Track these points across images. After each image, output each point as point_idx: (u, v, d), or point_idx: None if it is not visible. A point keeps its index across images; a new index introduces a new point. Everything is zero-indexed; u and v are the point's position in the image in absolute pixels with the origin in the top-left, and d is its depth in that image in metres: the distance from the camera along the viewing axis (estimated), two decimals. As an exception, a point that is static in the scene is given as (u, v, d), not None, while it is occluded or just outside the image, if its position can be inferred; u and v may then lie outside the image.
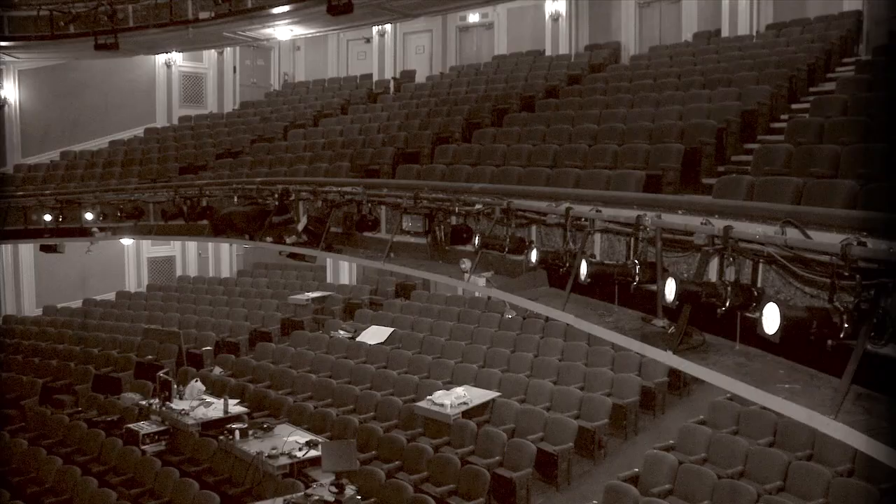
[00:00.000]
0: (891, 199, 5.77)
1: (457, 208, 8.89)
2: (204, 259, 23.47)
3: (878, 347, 4.09)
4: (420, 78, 20.53)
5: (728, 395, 10.15)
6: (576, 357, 13.16)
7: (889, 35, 12.03)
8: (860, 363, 4.01)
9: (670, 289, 4.84)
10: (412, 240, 9.89)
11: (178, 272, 23.15)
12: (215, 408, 12.08)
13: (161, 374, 12.93)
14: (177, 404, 12.21)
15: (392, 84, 20.58)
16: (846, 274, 4.14)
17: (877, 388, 4.27)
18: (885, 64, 10.12)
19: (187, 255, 23.27)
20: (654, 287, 5.88)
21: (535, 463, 10.03)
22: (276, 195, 12.28)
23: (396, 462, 10.39)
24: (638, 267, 6.00)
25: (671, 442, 10.05)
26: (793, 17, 15.37)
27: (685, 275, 5.67)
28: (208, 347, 16.35)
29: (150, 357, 15.77)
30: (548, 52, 19.05)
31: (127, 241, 19.79)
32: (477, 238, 8.24)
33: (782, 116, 10.65)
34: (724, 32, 16.07)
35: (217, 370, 14.94)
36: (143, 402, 12.87)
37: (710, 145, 9.47)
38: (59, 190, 16.74)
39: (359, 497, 8.44)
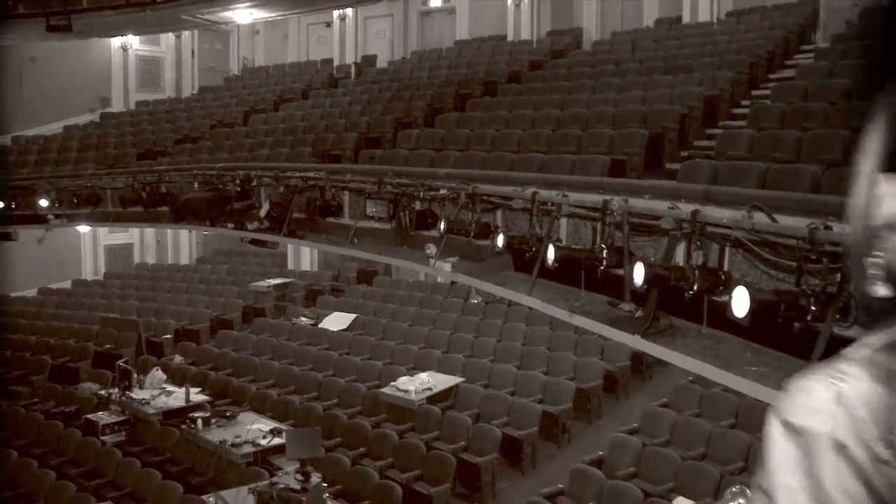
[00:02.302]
0: (847, 183, 5.83)
1: (421, 193, 8.84)
2: (163, 246, 23.11)
3: (843, 330, 4.14)
4: (381, 63, 20.37)
5: (690, 377, 10.26)
6: (539, 342, 13.20)
7: (846, 23, 12.19)
8: (827, 345, 4.05)
9: (639, 273, 4.86)
10: (376, 225, 9.83)
11: (137, 260, 22.77)
12: (176, 397, 11.93)
13: (120, 363, 12.73)
14: (137, 394, 12.04)
15: (353, 69, 20.40)
16: (813, 257, 4.19)
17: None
18: (843, 52, 10.25)
19: (146, 242, 22.91)
20: (621, 271, 5.90)
21: (499, 448, 10.05)
22: (238, 181, 12.13)
23: (361, 449, 10.35)
24: (605, 251, 6.01)
25: (635, 425, 10.14)
26: (752, 5, 15.51)
27: (652, 259, 5.69)
28: (168, 336, 16.13)
29: (108, 346, 15.51)
30: (510, 38, 19.01)
31: (83, 229, 19.40)
32: (442, 223, 8.20)
33: (743, 102, 10.74)
34: (686, 19, 16.16)
35: (178, 358, 14.75)
36: (102, 392, 12.67)
37: (673, 130, 9.53)
38: (12, 176, 16.34)
39: (324, 484, 8.39)
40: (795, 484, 0.85)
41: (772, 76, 11.76)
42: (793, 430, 0.87)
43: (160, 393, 12.05)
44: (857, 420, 0.83)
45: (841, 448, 0.83)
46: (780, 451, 0.88)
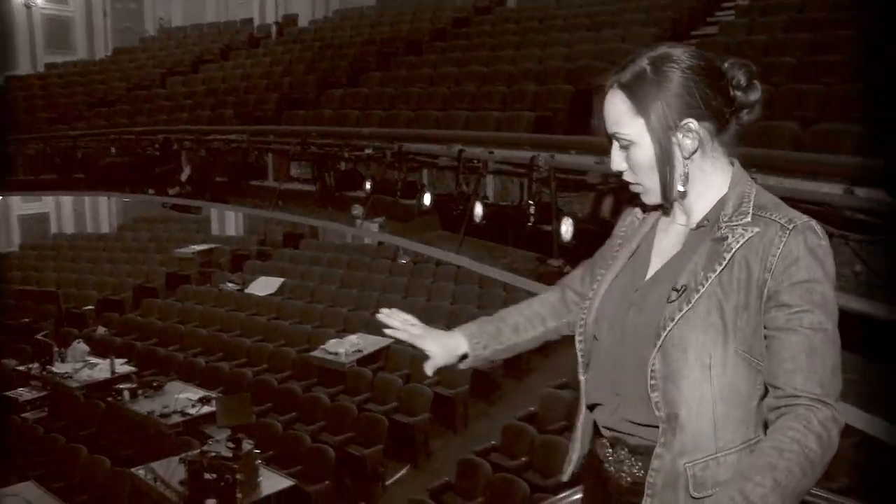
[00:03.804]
0: (769, 138, 5.95)
1: (346, 153, 8.71)
2: (81, 214, 22.36)
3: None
4: (303, 22, 19.93)
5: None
6: (468, 300, 13.24)
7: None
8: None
9: (567, 228, 4.86)
10: (301, 187, 9.68)
11: (53, 230, 22.01)
12: (101, 369, 11.61)
13: (39, 336, 12.33)
14: (58, 367, 11.67)
15: (274, 28, 19.91)
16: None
17: None
18: (762, 9, 10.38)
19: (62, 211, 22.12)
20: (549, 227, 5.91)
21: (431, 407, 10.09)
22: (157, 145, 11.77)
23: (292, 413, 10.26)
24: (532, 207, 6.02)
25: (564, 380, 10.27)
26: (673, -40, 15.57)
27: (580, 214, 5.71)
28: (90, 307, 15.67)
29: (25, 319, 14.99)
30: (433, -5, 18.75)
31: (-6, 198, 18.67)
32: (368, 183, 8.11)
33: (666, 58, 10.80)
34: (608, -25, 16.15)
35: (101, 329, 14.35)
36: (21, 368, 12.25)
37: (598, 86, 9.54)
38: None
39: (256, 451, 8.29)
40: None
41: (694, 33, 11.87)
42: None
43: (83, 366, 11.71)
44: None
45: None
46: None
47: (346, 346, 11.44)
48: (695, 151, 1.57)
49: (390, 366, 11.43)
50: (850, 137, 5.50)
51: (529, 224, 6.07)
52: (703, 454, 1.51)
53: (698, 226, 1.60)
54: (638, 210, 1.77)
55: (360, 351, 11.47)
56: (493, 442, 9.11)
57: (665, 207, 1.64)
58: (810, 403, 1.42)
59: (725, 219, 1.54)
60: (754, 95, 1.62)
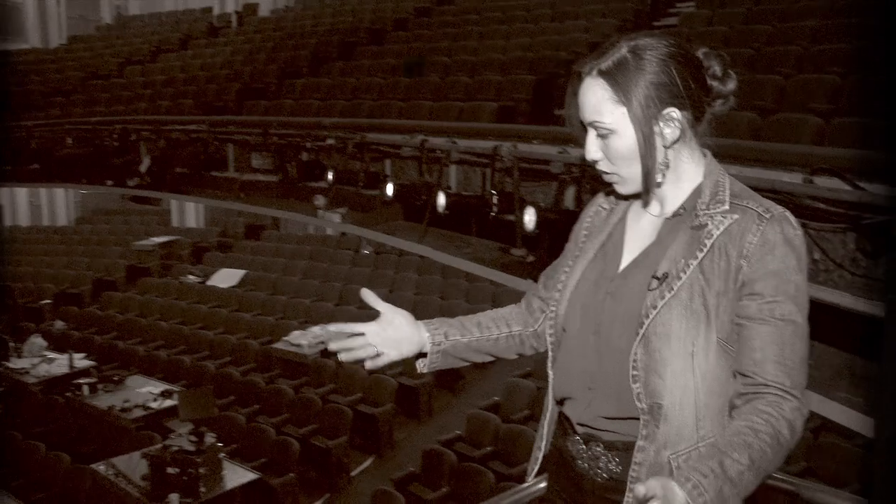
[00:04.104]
0: (729, 127, 6.00)
1: (308, 144, 8.64)
2: (36, 207, 21.95)
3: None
4: (264, 11, 19.70)
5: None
6: (431, 291, 13.24)
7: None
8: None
9: (530, 217, 4.87)
10: (262, 178, 9.58)
11: (8, 222, 21.56)
12: (59, 363, 11.42)
13: (-6, 331, 12.10)
14: (15, 363, 11.46)
15: (235, 17, 19.67)
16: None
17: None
18: (723, 1, 10.46)
19: (17, 203, 21.68)
20: (511, 217, 5.92)
21: (396, 398, 10.08)
22: (115, 135, 11.58)
23: (256, 406, 10.19)
24: (495, 197, 6.01)
25: (528, 369, 10.31)
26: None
27: (543, 203, 5.72)
28: (47, 301, 15.41)
29: (-21, 314, 14.70)
30: (395, -16, 18.64)
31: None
32: (330, 174, 8.05)
33: (628, 49, 10.85)
34: (569, -35, 16.18)
35: (59, 324, 14.12)
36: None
37: (560, 77, 9.56)
38: None
39: (220, 444, 8.22)
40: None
41: (655, 24, 11.93)
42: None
43: (41, 361, 11.51)
44: None
45: None
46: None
47: (308, 338, 11.36)
48: (676, 141, 1.56)
49: (354, 357, 11.38)
50: (809, 127, 5.57)
51: (492, 214, 6.07)
52: (686, 445, 1.51)
53: (674, 215, 1.59)
54: (603, 200, 1.77)
55: (323, 342, 11.36)
56: (457, 432, 9.13)
57: (643, 197, 1.61)
58: (779, 393, 1.44)
59: (703, 207, 1.54)
60: (730, 85, 1.63)
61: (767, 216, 1.49)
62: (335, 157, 8.34)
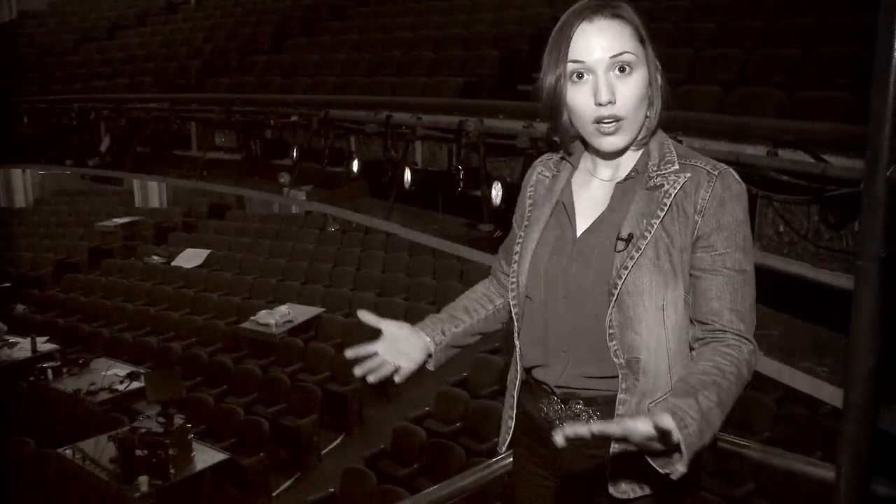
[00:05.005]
0: (693, 101, 6.04)
1: (271, 121, 8.55)
2: (-7, 188, 21.52)
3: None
4: (223, -14, 19.39)
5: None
6: (398, 268, 13.23)
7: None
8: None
9: (497, 192, 4.86)
10: (226, 156, 9.48)
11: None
12: (21, 348, 11.24)
13: (-47, 315, 11.88)
14: (-26, 348, 11.29)
15: (193, -7, 19.34)
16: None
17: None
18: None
19: (-27, 185, 21.23)
20: (478, 192, 5.91)
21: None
22: (73, 114, 11.36)
23: (224, 386, 10.14)
24: (462, 173, 6.00)
25: (497, 344, 10.35)
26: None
27: (509, 179, 5.72)
28: (7, 284, 15.14)
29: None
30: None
31: None
32: (294, 151, 7.98)
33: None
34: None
35: (20, 307, 13.90)
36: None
37: (524, 52, 9.53)
38: None
39: (189, 425, 8.16)
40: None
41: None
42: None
43: (2, 345, 11.32)
44: None
45: None
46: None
47: (276, 317, 11.33)
48: (662, 90, 1.63)
49: (322, 335, 11.38)
50: (770, 100, 5.61)
51: (459, 189, 6.06)
52: (662, 392, 1.59)
53: (626, 178, 1.64)
54: (542, 168, 1.80)
55: (290, 321, 11.37)
56: (426, 408, 9.16)
57: (634, 143, 1.63)
58: (736, 338, 1.56)
59: (654, 168, 1.61)
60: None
61: (716, 173, 1.58)
62: (299, 135, 8.27)
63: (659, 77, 1.61)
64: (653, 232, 1.56)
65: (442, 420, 8.87)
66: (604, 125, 1.56)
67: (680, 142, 4.29)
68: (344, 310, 12.04)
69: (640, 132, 1.61)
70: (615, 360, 1.59)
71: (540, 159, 1.82)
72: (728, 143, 4.62)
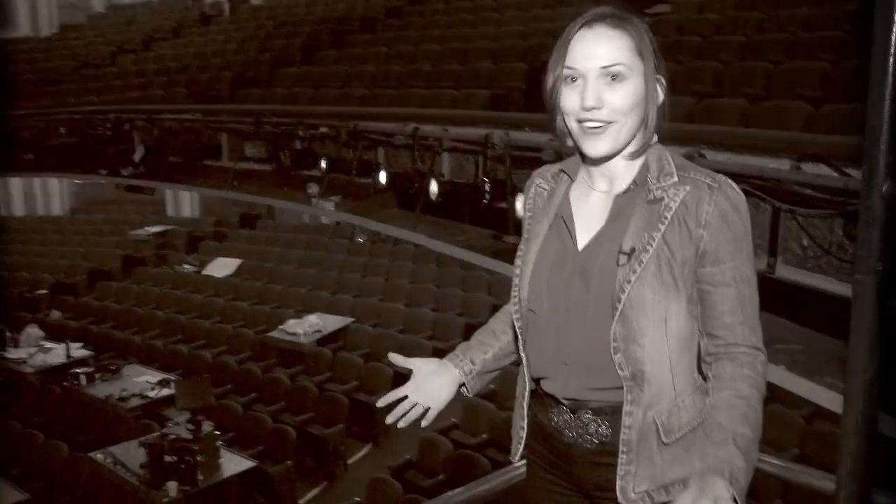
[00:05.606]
0: (718, 114, 6.04)
1: (301, 132, 8.65)
2: (31, 196, 21.88)
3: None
4: (256, -1, 19.66)
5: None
6: (426, 279, 13.29)
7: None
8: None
9: (521, 205, 4.89)
10: (256, 167, 9.60)
11: (2, 212, 21.50)
12: (56, 353, 11.45)
13: (-9, 321, 12.12)
14: (12, 353, 11.49)
15: (227, 6, 19.60)
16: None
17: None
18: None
19: (11, 193, 21.61)
20: (504, 204, 5.95)
21: (392, 386, 10.02)
22: (108, 125, 11.57)
23: (253, 394, 10.24)
24: (487, 185, 6.04)
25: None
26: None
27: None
28: (43, 291, 15.42)
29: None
30: (387, -29, 18.56)
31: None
32: (323, 162, 8.07)
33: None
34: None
35: (55, 314, 14.15)
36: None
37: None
38: None
39: (217, 432, 8.27)
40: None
41: (648, 11, 11.90)
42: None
43: (37, 350, 11.53)
44: None
45: None
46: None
47: (305, 327, 11.42)
48: (660, 105, 1.64)
49: (350, 345, 11.45)
50: (796, 114, 5.60)
51: (485, 201, 6.10)
52: (667, 403, 1.63)
53: (625, 190, 1.65)
54: (541, 181, 1.82)
55: (319, 331, 11.46)
56: (453, 419, 9.17)
57: (618, 153, 1.64)
58: (750, 350, 1.60)
59: (654, 181, 1.62)
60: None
61: (716, 186, 1.59)
62: (328, 146, 8.36)
63: (660, 91, 1.63)
64: (654, 245, 1.58)
65: (468, 431, 8.89)
66: (587, 124, 1.59)
67: (703, 155, 4.32)
68: (372, 320, 12.11)
69: (628, 142, 1.62)
70: (620, 372, 1.61)
71: (538, 171, 1.84)
72: (752, 156, 4.62)
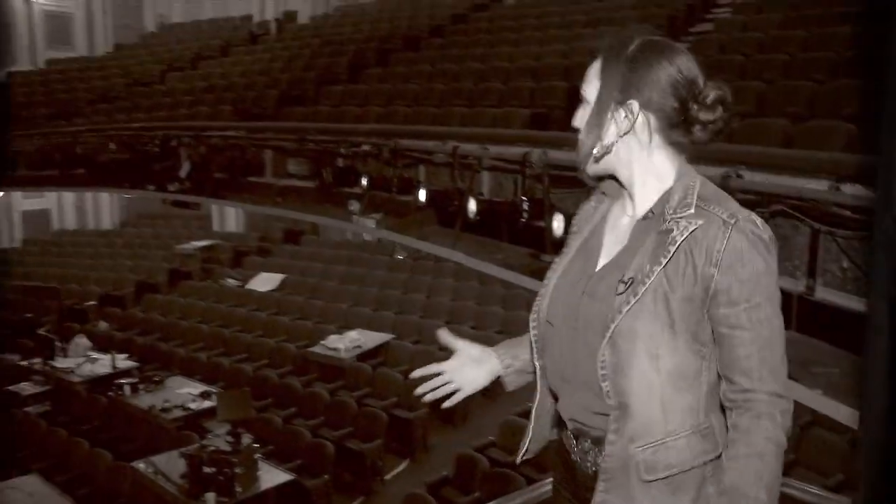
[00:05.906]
0: (760, 135, 6.00)
1: (343, 150, 8.76)
2: (82, 210, 22.43)
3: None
4: (303, 18, 19.96)
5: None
6: (467, 297, 13.31)
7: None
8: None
9: (559, 224, 4.92)
10: (299, 183, 9.73)
11: (55, 225, 22.07)
12: (102, 363, 11.69)
13: (41, 331, 12.40)
14: (60, 362, 11.76)
15: (274, 25, 19.94)
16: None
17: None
18: (758, 6, 10.41)
19: (64, 206, 22.17)
20: (542, 223, 5.96)
21: (431, 402, 10.11)
22: (157, 141, 11.83)
23: (293, 408, 10.33)
24: (526, 203, 6.07)
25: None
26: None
27: (572, 210, 5.76)
28: (92, 302, 15.75)
29: (27, 315, 15.04)
30: (432, -9, 18.75)
31: (-4, 194, 18.72)
32: (364, 179, 8.16)
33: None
34: (606, -30, 16.14)
35: (102, 325, 14.43)
36: (23, 363, 12.32)
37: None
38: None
39: (256, 445, 8.36)
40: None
41: (691, 30, 11.88)
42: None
43: (85, 360, 11.79)
44: None
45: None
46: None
47: (345, 342, 11.50)
48: (626, 133, 1.63)
49: (390, 361, 11.50)
50: (839, 134, 5.54)
51: (523, 220, 6.12)
52: (654, 439, 1.58)
53: (644, 217, 1.65)
54: (593, 198, 1.85)
55: (359, 347, 11.54)
56: (491, 437, 9.16)
57: (582, 170, 1.72)
58: (769, 398, 1.52)
59: (670, 211, 1.59)
60: (707, 115, 1.61)
61: (732, 221, 1.53)
62: (370, 164, 8.46)
63: (620, 111, 1.63)
64: (652, 279, 1.55)
65: (505, 449, 8.84)
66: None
67: (740, 176, 4.30)
68: (413, 337, 12.16)
69: (587, 154, 1.67)
70: (607, 400, 1.60)
71: (598, 186, 1.85)
72: (791, 177, 4.59)
